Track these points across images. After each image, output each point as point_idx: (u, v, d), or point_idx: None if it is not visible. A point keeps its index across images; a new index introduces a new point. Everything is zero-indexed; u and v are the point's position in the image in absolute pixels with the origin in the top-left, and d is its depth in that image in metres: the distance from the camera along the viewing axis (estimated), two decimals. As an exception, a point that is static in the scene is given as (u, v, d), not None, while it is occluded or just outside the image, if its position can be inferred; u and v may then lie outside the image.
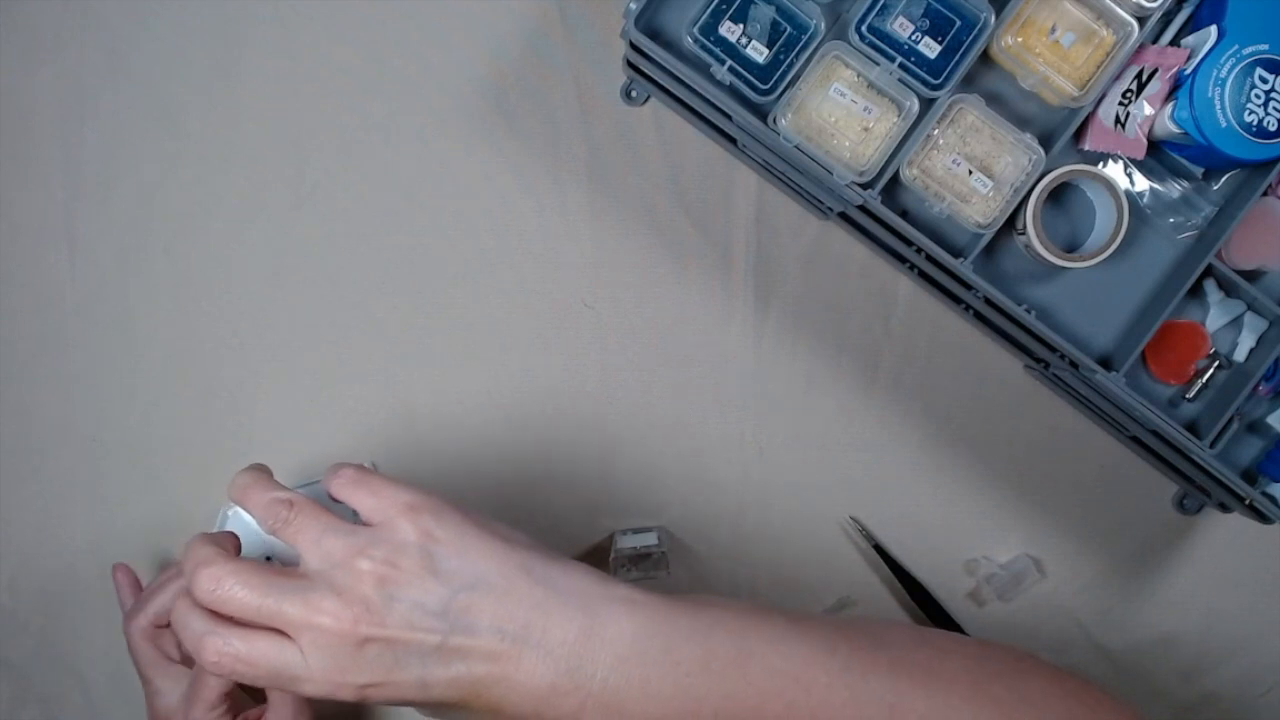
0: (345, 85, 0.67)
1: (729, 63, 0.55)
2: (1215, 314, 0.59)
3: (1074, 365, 0.58)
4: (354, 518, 0.47)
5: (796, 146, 0.55)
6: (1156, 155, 0.58)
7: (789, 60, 0.56)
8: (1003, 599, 0.67)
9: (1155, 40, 0.57)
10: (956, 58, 0.55)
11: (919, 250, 0.57)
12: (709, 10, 0.55)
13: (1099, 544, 0.67)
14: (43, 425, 0.67)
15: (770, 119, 0.55)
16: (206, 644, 0.44)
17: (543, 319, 0.67)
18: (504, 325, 0.67)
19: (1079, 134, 0.58)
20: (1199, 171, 0.59)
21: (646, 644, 0.46)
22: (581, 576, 0.47)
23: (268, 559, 0.53)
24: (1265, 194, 0.56)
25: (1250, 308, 0.59)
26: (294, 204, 0.67)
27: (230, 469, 0.49)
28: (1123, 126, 0.56)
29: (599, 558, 0.66)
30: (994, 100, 0.57)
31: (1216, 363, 0.59)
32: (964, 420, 0.67)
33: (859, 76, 0.55)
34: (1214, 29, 0.55)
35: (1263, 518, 0.59)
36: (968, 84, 0.56)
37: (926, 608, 0.66)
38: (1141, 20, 0.55)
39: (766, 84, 0.56)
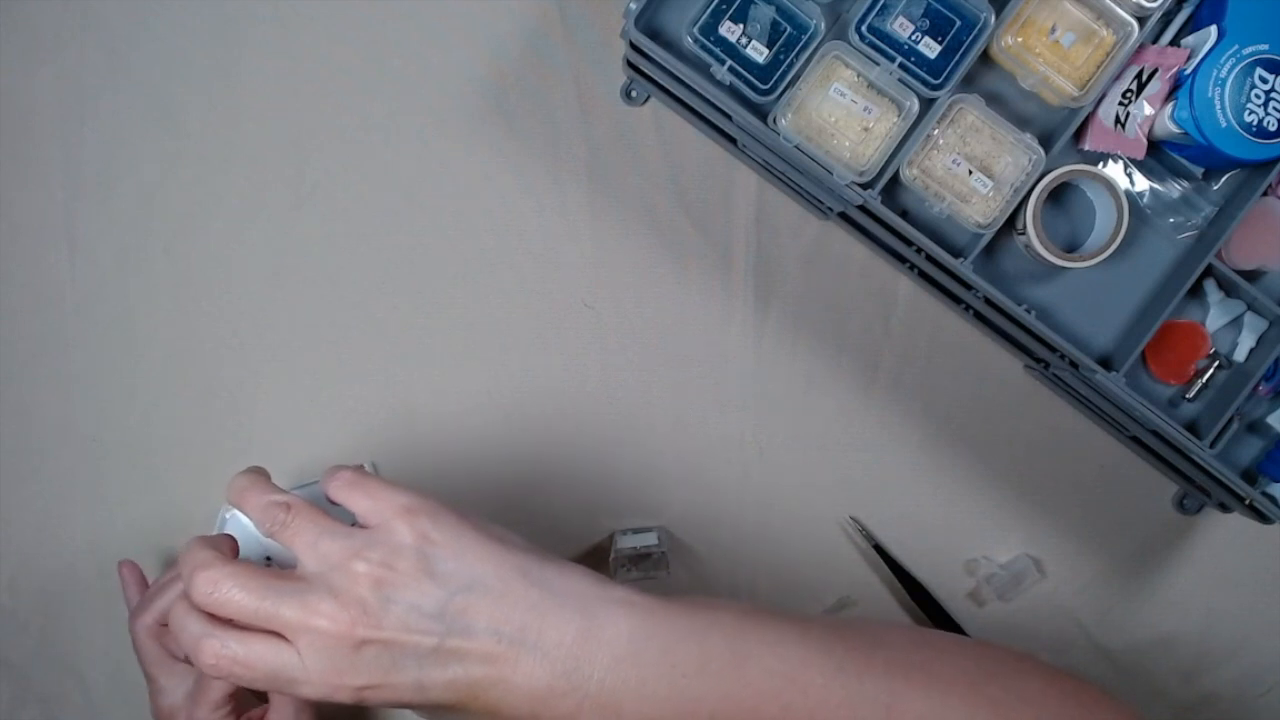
0: (345, 85, 0.67)
1: (729, 63, 0.55)
2: (1215, 314, 0.59)
3: (1074, 365, 0.58)
4: (352, 520, 0.47)
5: (796, 146, 0.55)
6: (1156, 155, 0.58)
7: (789, 60, 0.56)
8: (1003, 599, 0.67)
9: (1155, 40, 0.56)
10: (956, 58, 0.55)
11: (919, 250, 0.57)
12: (709, 10, 0.55)
13: (1099, 544, 0.67)
14: (43, 425, 0.67)
15: (770, 119, 0.55)
16: (204, 646, 0.44)
17: (543, 319, 0.67)
18: (504, 325, 0.67)
19: (1079, 134, 0.57)
20: (1199, 171, 0.59)
21: (643, 645, 0.46)
22: (578, 578, 0.47)
23: (267, 560, 0.53)
24: (1265, 194, 0.56)
25: (1250, 308, 0.59)
26: (294, 204, 0.67)
27: (230, 469, 0.49)
28: (1123, 126, 0.56)
29: (599, 558, 0.66)
30: (994, 100, 0.57)
31: (1216, 363, 0.59)
32: (964, 420, 0.67)
33: (859, 76, 0.55)
34: (1214, 29, 0.55)
35: (1263, 518, 0.59)
36: (968, 84, 0.56)
37: (926, 608, 0.66)
38: (1141, 20, 0.55)
39: (766, 84, 0.56)
